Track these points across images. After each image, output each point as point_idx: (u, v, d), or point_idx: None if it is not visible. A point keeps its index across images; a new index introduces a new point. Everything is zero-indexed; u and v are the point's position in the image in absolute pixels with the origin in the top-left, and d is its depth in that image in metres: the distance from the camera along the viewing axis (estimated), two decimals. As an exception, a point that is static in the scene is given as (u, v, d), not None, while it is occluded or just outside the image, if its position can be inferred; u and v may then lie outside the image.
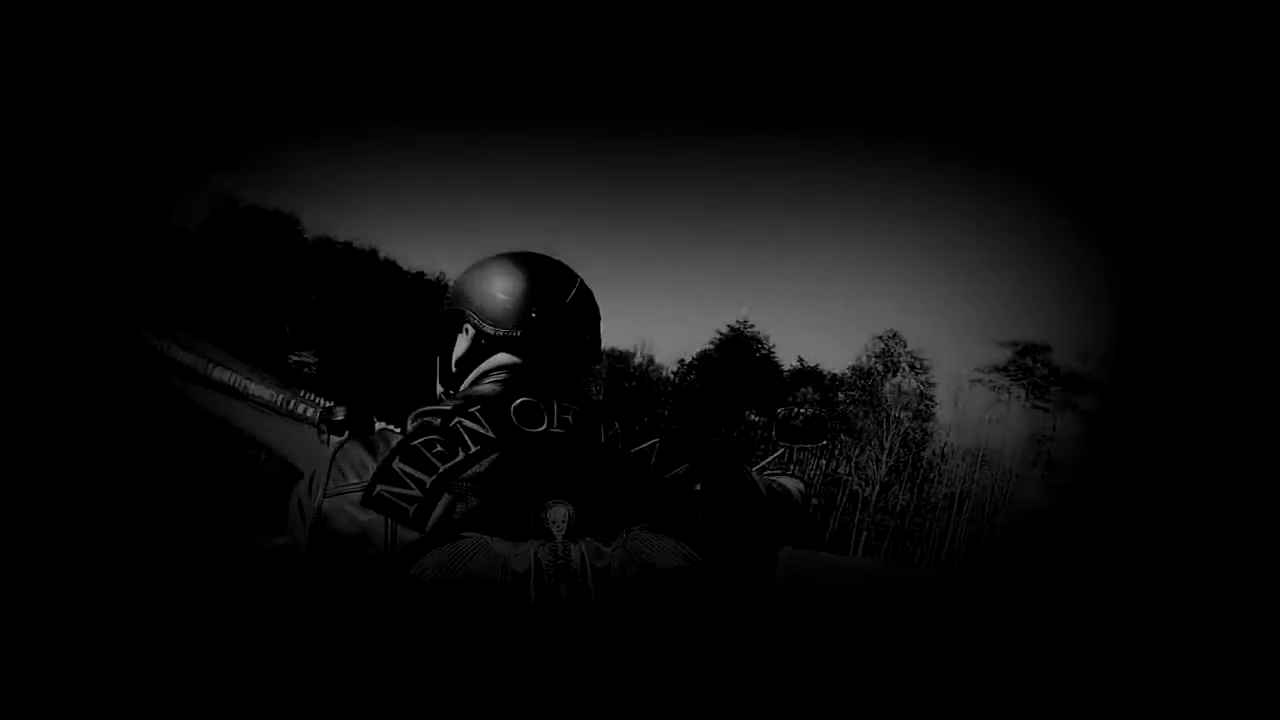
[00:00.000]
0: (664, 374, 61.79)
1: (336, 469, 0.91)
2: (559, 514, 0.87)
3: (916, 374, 52.69)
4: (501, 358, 1.11)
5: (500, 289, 1.12)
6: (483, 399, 0.99)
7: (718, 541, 0.93)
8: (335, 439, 1.17)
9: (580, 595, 0.83)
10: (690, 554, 0.90)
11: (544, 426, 0.96)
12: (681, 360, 61.51)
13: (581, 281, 1.18)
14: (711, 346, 60.38)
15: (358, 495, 0.87)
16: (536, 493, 0.89)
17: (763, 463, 1.49)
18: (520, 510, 0.87)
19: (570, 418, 0.98)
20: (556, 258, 1.19)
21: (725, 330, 60.69)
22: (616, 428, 0.99)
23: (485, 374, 1.10)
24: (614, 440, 0.98)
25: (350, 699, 0.81)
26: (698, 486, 0.96)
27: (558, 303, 1.12)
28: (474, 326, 1.12)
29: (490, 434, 0.93)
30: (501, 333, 1.10)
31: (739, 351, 58.90)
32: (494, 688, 0.78)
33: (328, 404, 1.27)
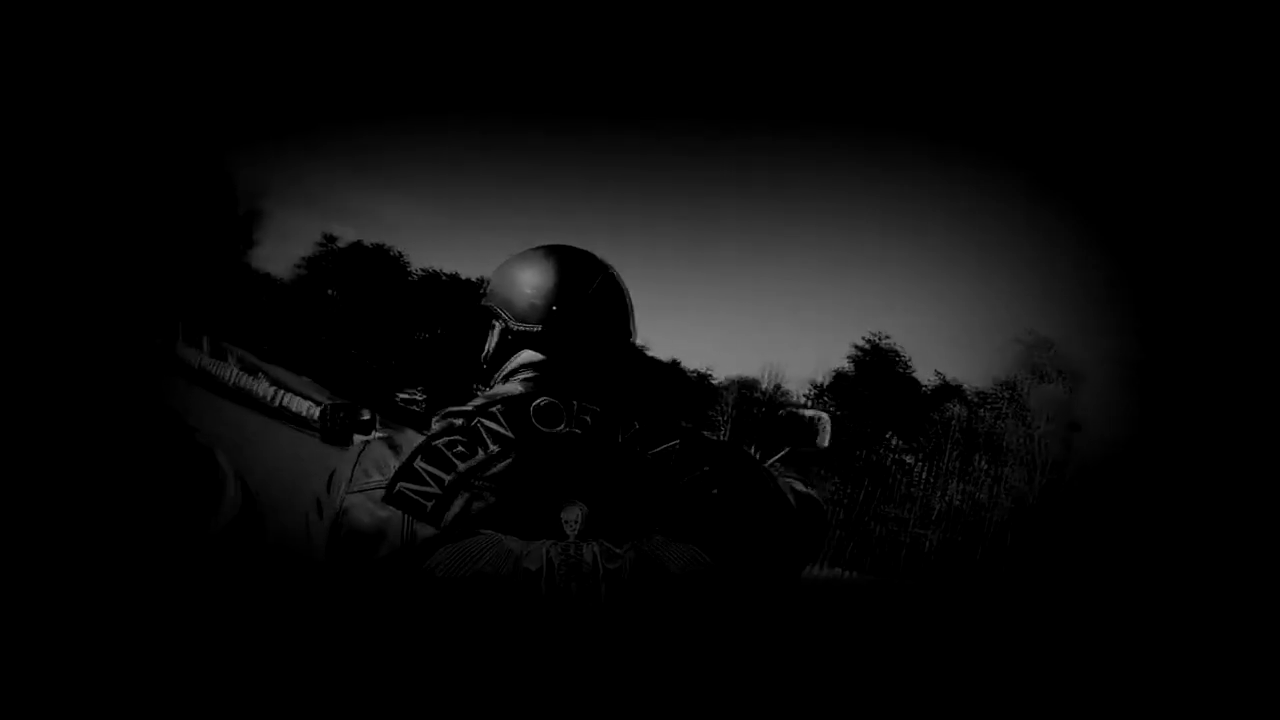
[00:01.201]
0: (795, 398, 57.55)
1: (360, 468, 0.93)
2: (573, 514, 0.88)
3: (1065, 381, 45.52)
4: (527, 354, 1.10)
5: (525, 283, 1.11)
6: (505, 399, 1.00)
7: (732, 547, 0.93)
8: (360, 438, 1.21)
9: (590, 595, 0.84)
10: (703, 558, 0.90)
11: (562, 427, 0.96)
12: (813, 382, 57.26)
13: (608, 272, 1.15)
14: (848, 364, 56.10)
15: (379, 492, 0.90)
16: (552, 493, 0.90)
17: (770, 460, 1.45)
18: (535, 510, 0.89)
19: (589, 418, 0.98)
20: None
21: (862, 343, 56.34)
22: (636, 428, 0.98)
23: (512, 371, 1.10)
24: (633, 441, 0.97)
25: (360, 690, 0.83)
26: (715, 490, 0.95)
27: (580, 295, 1.10)
28: (502, 322, 1.12)
29: (510, 434, 0.94)
30: (525, 328, 1.10)
31: (877, 369, 54.39)
32: (500, 682, 0.80)
33: (347, 404, 1.38)
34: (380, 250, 53.07)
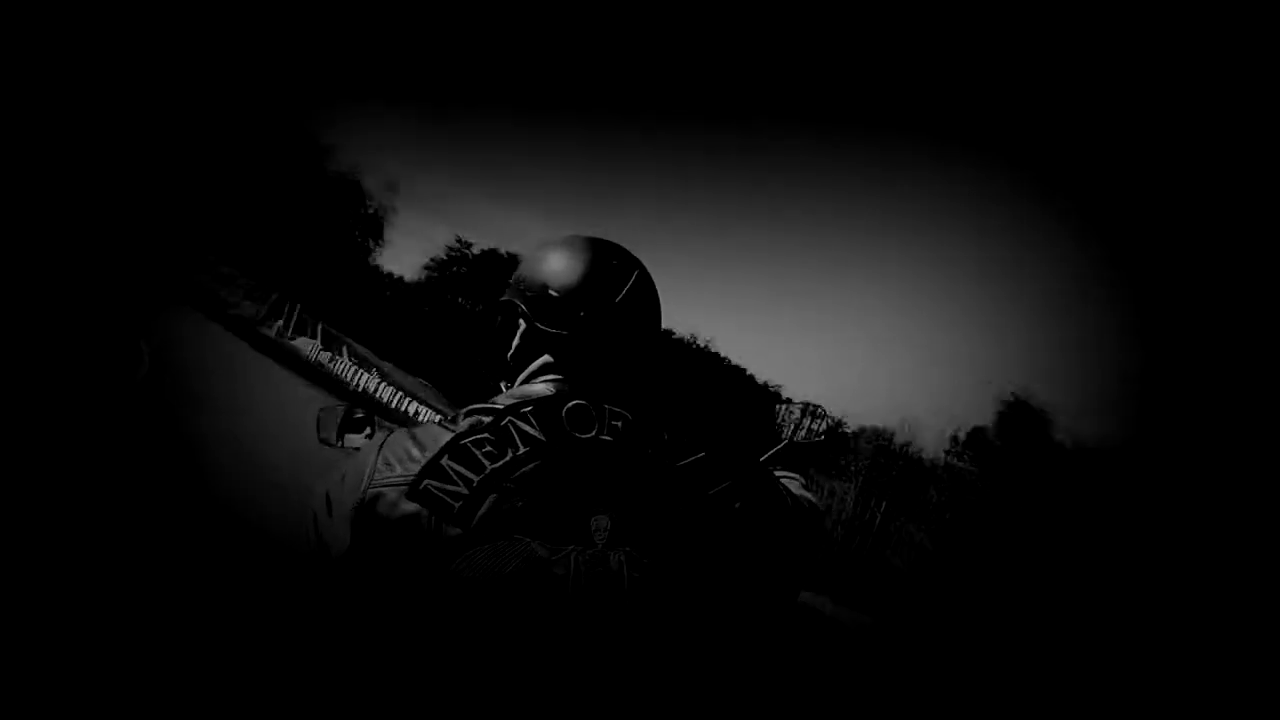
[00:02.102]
0: (937, 455, 53.84)
1: (382, 459, 0.91)
2: (602, 522, 0.88)
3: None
4: (551, 357, 1.08)
5: (551, 284, 1.07)
6: (535, 399, 0.98)
7: (751, 562, 0.94)
8: (354, 437, 1.29)
9: (614, 603, 0.84)
10: (724, 572, 0.90)
11: (593, 433, 0.95)
12: (954, 437, 53.39)
13: (639, 274, 1.11)
14: (991, 420, 52.10)
15: (404, 488, 0.87)
16: (581, 500, 0.89)
17: (765, 455, 1.44)
18: (564, 516, 0.87)
19: (620, 424, 0.97)
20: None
21: (1009, 398, 52.26)
22: (665, 438, 0.98)
23: (538, 371, 1.07)
24: (661, 452, 0.96)
25: (377, 691, 0.83)
26: (737, 505, 0.96)
27: (607, 302, 1.07)
28: (525, 321, 1.09)
29: (541, 436, 0.93)
30: (550, 331, 1.07)
31: (1023, 428, 50.28)
32: (522, 687, 0.80)
33: (343, 405, 1.38)
34: (514, 260, 52.54)
